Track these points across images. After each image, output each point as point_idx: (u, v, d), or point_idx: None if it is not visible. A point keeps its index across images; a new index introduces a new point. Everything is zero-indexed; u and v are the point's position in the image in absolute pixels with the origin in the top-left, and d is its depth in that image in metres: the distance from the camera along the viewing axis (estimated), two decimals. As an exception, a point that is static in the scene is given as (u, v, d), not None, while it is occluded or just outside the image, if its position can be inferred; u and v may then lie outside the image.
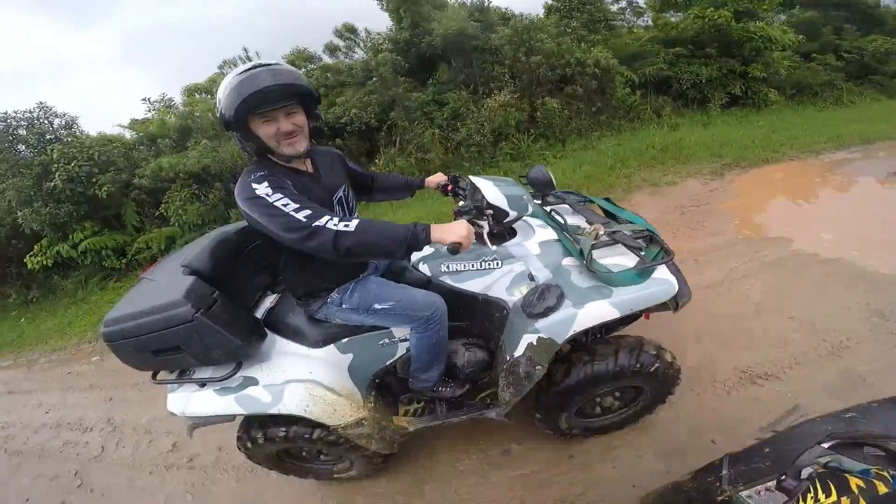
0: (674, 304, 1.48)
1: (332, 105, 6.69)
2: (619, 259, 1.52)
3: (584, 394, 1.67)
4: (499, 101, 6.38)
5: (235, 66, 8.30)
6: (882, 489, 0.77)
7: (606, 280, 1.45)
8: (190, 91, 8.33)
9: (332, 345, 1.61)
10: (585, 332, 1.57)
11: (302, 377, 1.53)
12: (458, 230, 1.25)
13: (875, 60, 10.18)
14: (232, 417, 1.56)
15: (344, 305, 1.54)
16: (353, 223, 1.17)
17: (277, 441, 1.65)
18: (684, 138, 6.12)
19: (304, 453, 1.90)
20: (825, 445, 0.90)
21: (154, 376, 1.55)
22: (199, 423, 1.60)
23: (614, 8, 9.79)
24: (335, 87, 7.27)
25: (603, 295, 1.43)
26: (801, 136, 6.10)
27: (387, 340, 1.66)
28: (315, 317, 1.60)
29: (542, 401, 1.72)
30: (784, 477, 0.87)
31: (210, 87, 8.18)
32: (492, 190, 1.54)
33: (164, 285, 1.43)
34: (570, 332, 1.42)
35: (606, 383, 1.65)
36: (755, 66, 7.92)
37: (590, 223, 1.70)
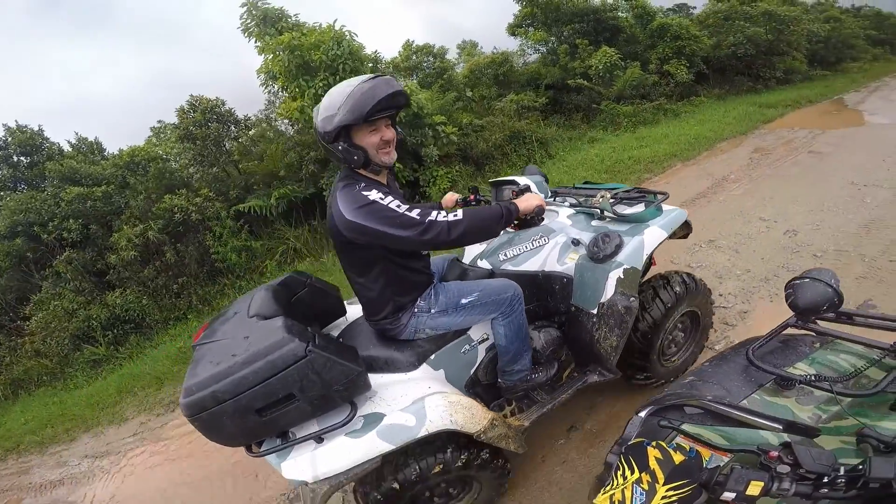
0: (686, 229, 2.03)
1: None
2: (632, 209, 1.91)
3: (664, 326, 1.95)
4: (61, 306, 5.95)
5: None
6: (678, 458, 0.80)
7: (637, 219, 1.83)
8: None
9: (423, 364, 1.63)
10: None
11: (428, 393, 1.46)
12: (534, 198, 1.52)
13: (601, 83, 9.24)
14: (375, 463, 1.38)
15: (433, 310, 1.60)
16: (460, 212, 1.34)
17: (417, 479, 1.49)
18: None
19: (427, 494, 1.68)
20: (642, 414, 0.97)
21: (249, 450, 1.32)
22: (337, 482, 1.34)
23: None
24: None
25: (648, 226, 1.80)
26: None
27: (467, 347, 1.74)
28: (401, 337, 1.62)
29: (634, 350, 1.93)
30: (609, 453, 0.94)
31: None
32: (522, 179, 2.04)
33: (243, 337, 1.27)
34: (645, 256, 1.74)
35: (674, 310, 1.96)
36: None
37: (591, 196, 2.02)
